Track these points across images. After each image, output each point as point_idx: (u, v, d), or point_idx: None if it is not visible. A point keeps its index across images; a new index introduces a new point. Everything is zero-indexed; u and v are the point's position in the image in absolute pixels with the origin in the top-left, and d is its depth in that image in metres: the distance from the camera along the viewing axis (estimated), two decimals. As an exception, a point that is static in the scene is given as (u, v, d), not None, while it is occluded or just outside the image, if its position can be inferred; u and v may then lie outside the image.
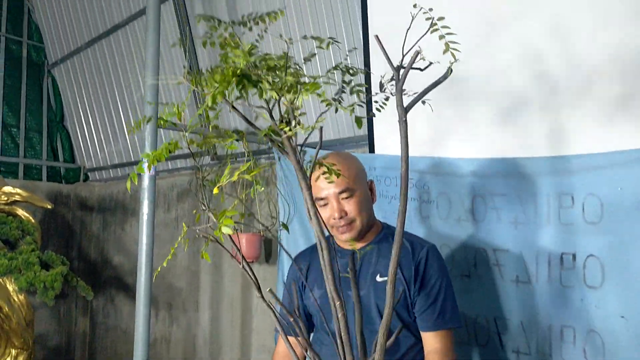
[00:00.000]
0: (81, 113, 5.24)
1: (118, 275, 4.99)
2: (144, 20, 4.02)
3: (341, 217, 1.68)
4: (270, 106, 1.05)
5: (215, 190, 1.07)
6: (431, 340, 1.68)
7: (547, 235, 1.98)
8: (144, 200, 2.69)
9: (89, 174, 5.44)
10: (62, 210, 5.20)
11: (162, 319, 4.48)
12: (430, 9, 1.12)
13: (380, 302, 1.69)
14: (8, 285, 3.47)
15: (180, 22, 3.97)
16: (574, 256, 1.91)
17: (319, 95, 0.97)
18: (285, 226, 1.46)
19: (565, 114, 1.96)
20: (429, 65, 1.13)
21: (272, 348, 3.40)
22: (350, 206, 1.69)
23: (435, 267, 1.72)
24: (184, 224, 1.09)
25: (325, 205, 1.70)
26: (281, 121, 1.02)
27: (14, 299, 3.50)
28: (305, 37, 1.15)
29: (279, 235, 3.29)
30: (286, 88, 0.94)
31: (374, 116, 1.05)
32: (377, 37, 1.17)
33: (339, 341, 1.09)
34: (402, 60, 1.12)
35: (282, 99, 0.99)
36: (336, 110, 1.05)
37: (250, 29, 1.01)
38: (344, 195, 1.69)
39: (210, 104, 0.94)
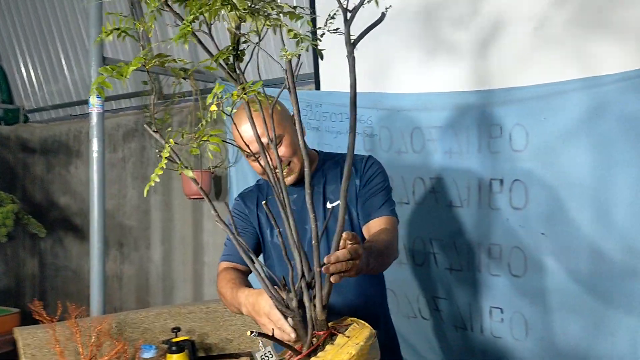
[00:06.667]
0: (17, 51, 5.05)
1: (65, 217, 4.98)
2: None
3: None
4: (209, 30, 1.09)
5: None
6: (377, 224, 1.64)
7: (478, 163, 2.16)
8: (94, 138, 2.71)
9: (28, 115, 5.30)
10: (3, 152, 5.09)
11: (112, 257, 4.55)
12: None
13: (333, 229, 1.70)
14: (-43, 226, 3.46)
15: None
16: (502, 181, 2.10)
17: (282, 25, 1.03)
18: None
19: (493, 50, 2.11)
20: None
21: (224, 279, 3.55)
22: (283, 151, 1.61)
23: (376, 169, 1.71)
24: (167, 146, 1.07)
25: (257, 158, 1.62)
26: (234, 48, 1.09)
27: (-38, 240, 3.49)
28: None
29: (228, 173, 3.38)
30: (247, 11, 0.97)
31: (317, 44, 1.13)
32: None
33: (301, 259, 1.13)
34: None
35: (228, 24, 1.04)
36: (299, 41, 1.09)
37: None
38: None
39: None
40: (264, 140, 1.49)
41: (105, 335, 2.16)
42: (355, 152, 1.79)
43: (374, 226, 1.63)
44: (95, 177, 2.73)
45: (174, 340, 2.20)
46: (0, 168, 5.05)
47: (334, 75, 2.66)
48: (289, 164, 1.64)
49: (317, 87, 2.76)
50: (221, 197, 3.65)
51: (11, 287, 5.12)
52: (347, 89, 1.19)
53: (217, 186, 3.64)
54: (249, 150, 1.54)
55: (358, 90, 1.33)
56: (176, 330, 2.28)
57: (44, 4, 4.62)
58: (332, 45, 1.26)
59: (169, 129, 1.28)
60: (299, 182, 1.70)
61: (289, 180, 1.66)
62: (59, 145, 5.06)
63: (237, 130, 1.55)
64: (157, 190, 4.14)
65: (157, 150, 1.14)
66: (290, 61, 1.08)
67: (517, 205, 2.07)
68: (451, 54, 2.23)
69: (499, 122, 2.10)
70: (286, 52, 1.05)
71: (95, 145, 2.71)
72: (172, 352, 2.14)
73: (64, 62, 4.75)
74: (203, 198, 3.50)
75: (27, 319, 3.69)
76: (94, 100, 0.98)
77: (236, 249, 1.20)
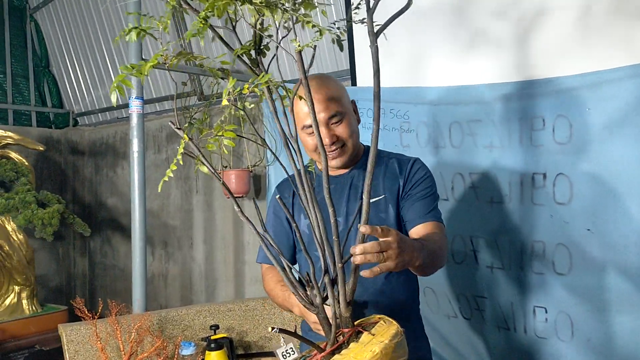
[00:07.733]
0: (66, 57, 5.22)
1: (113, 217, 5.10)
2: (123, -41, 3.96)
3: (332, 143, 1.59)
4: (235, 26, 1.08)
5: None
6: (427, 228, 1.58)
7: (519, 157, 2.08)
8: (134, 138, 2.75)
9: (77, 118, 5.46)
10: (54, 155, 5.26)
11: (158, 256, 4.63)
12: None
13: (371, 223, 1.64)
14: (7, 225, 3.59)
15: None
16: (545, 175, 2.02)
17: (305, 20, 1.02)
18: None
19: (533, 40, 2.03)
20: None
21: (264, 278, 3.56)
22: (341, 130, 1.60)
23: (424, 174, 1.67)
24: (183, 137, 1.06)
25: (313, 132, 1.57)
26: (254, 42, 1.08)
27: (13, 238, 3.61)
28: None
29: (267, 171, 3.39)
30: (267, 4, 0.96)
31: (343, 35, 1.10)
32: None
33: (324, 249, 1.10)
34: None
35: (249, 18, 1.03)
36: (321, 34, 1.06)
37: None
38: (335, 119, 1.59)
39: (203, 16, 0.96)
40: (329, 114, 1.57)
41: (145, 332, 2.19)
42: (392, 150, 1.78)
43: (422, 230, 1.58)
44: (136, 176, 2.77)
45: (212, 337, 2.21)
46: (51, 170, 5.23)
47: (370, 72, 2.61)
48: (342, 146, 1.62)
49: (353, 84, 2.72)
50: (261, 196, 3.66)
51: (62, 285, 5.29)
52: (384, 85, 1.15)
53: (256, 185, 3.65)
54: (308, 123, 1.57)
55: (395, 85, 1.31)
56: (215, 327, 2.29)
57: (91, 12, 4.75)
58: (367, 41, 1.23)
59: (206, 129, 1.28)
60: (340, 170, 1.69)
61: (336, 162, 1.64)
62: (107, 148, 5.19)
63: (299, 103, 1.55)
64: (198, 190, 4.19)
65: (178, 147, 1.13)
66: (300, 53, 1.05)
67: (561, 200, 1.98)
68: (490, 44, 2.16)
69: (541, 114, 2.02)
70: (297, 43, 1.02)
71: (135, 146, 2.74)
72: (211, 350, 2.14)
73: (110, 67, 4.87)
74: (242, 197, 3.49)
75: (76, 316, 3.80)
76: (114, 99, 0.97)
77: (274, 249, 1.17)
